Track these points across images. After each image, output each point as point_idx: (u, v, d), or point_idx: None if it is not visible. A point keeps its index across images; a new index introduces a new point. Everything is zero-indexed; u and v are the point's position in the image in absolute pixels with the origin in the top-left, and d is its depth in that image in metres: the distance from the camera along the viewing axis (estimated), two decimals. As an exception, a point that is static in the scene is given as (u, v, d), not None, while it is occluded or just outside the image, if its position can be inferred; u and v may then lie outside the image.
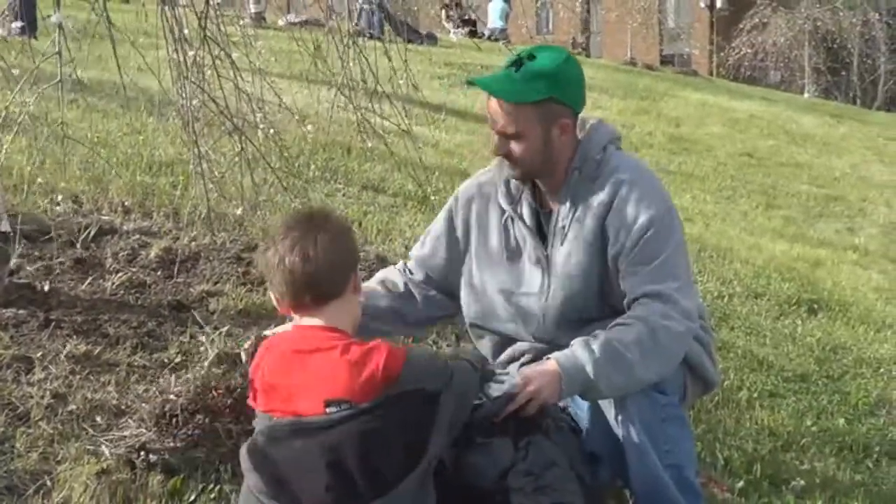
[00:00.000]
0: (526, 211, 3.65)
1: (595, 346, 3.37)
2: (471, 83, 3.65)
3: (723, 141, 14.61)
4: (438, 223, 3.84)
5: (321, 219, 3.04)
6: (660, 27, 38.60)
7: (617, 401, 3.42)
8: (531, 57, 3.50)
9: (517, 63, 3.49)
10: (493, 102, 3.51)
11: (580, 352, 3.38)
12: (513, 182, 3.67)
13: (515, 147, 3.50)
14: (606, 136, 3.65)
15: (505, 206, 3.67)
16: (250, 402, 3.07)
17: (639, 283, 3.46)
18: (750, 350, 6.04)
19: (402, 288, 3.82)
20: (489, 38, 23.47)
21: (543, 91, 3.46)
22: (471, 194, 3.78)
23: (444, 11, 27.10)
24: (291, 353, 2.95)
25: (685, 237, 3.64)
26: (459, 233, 3.77)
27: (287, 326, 3.24)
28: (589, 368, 3.34)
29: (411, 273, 3.85)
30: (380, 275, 3.94)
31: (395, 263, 5.43)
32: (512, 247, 3.69)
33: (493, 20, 26.07)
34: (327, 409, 2.87)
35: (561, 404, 3.71)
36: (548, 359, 3.42)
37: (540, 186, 3.65)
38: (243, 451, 2.94)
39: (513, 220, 3.66)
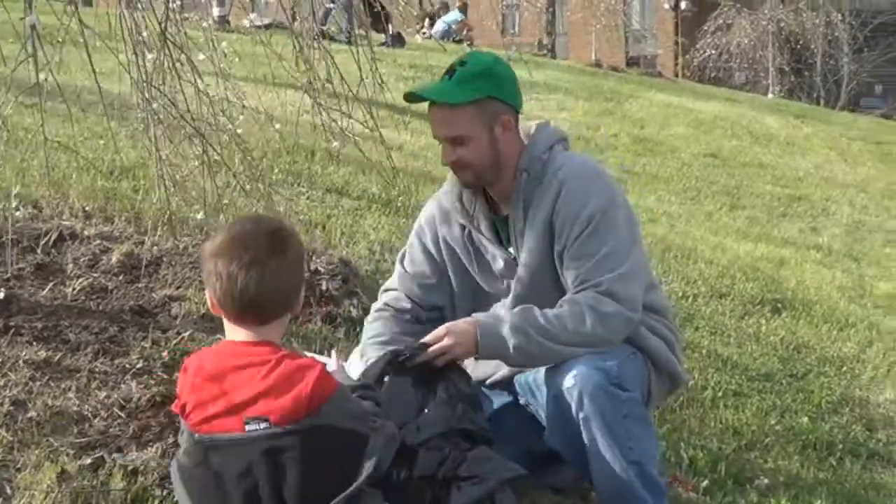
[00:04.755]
0: (482, 222, 3.73)
1: (519, 314, 3.50)
2: (409, 96, 3.66)
3: (687, 142, 14.65)
4: (413, 248, 3.91)
5: (283, 243, 2.97)
6: (625, 29, 38.69)
7: (576, 398, 3.46)
8: (462, 63, 3.61)
9: (450, 71, 3.59)
10: (435, 111, 3.61)
11: (504, 315, 3.51)
12: (465, 196, 3.75)
13: (463, 152, 3.57)
14: (552, 137, 3.73)
15: (463, 221, 3.74)
16: (176, 410, 3.02)
17: (578, 276, 3.56)
18: (714, 350, 6.06)
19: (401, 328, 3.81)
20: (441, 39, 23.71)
21: (479, 90, 3.56)
22: (432, 218, 3.88)
23: (426, 20, 27.20)
24: (221, 368, 2.91)
25: (637, 231, 3.72)
26: (434, 254, 3.85)
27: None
28: (506, 332, 3.45)
29: (398, 311, 3.86)
30: (376, 331, 3.86)
31: (358, 266, 5.47)
32: (479, 258, 3.78)
33: (436, 29, 26.32)
34: (246, 427, 2.84)
35: (522, 401, 3.76)
36: (473, 315, 3.55)
37: (491, 195, 3.71)
38: (172, 468, 2.95)
39: (472, 233, 3.73)
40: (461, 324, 3.53)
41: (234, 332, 2.98)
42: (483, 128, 3.58)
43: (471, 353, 3.51)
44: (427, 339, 3.50)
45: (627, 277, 3.54)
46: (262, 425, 2.83)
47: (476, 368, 3.80)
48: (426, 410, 3.31)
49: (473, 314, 3.59)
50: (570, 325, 3.47)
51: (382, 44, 17.75)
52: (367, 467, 2.83)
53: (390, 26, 18.43)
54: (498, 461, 3.22)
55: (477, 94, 3.55)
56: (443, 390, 3.39)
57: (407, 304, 3.85)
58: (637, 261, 3.62)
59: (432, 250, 3.85)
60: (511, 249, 3.72)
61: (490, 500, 3.14)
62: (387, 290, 3.95)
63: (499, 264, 3.74)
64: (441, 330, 3.48)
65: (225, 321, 3.01)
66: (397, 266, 3.94)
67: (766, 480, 4.54)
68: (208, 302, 3.01)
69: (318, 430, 2.84)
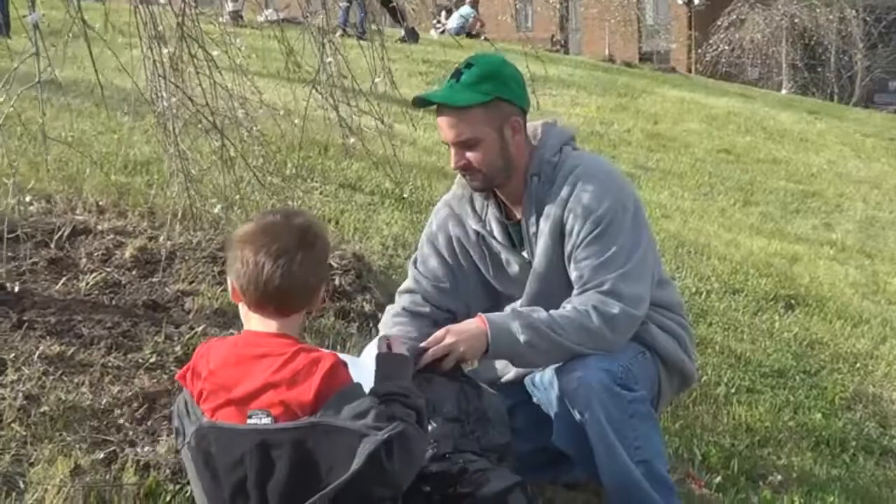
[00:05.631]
0: (495, 227, 3.72)
1: (526, 313, 3.50)
2: (417, 101, 3.66)
3: (700, 137, 14.61)
4: (426, 253, 3.89)
5: (312, 237, 2.97)
6: (638, 24, 38.63)
7: (581, 400, 3.45)
8: (468, 65, 3.57)
9: (456, 74, 3.56)
10: (443, 115, 3.58)
11: (512, 315, 3.50)
12: (476, 200, 3.73)
13: (473, 156, 3.55)
14: (561, 138, 3.70)
15: (475, 226, 3.73)
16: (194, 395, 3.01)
17: (582, 276, 3.55)
18: (728, 346, 6.05)
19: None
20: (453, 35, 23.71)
21: (487, 92, 3.53)
22: (445, 222, 3.86)
23: (443, 13, 27.20)
24: (238, 357, 2.91)
25: (645, 231, 3.67)
26: (448, 258, 3.82)
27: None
28: (516, 329, 3.44)
29: (415, 314, 3.83)
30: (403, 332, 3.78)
31: (371, 262, 5.47)
32: (493, 261, 3.77)
33: (451, 25, 26.31)
34: (249, 419, 2.84)
35: (535, 400, 3.75)
36: (480, 315, 3.50)
37: (502, 199, 3.69)
38: (183, 452, 2.95)
39: (484, 238, 3.72)
40: (465, 324, 3.52)
41: (253, 323, 2.98)
42: (492, 130, 3.55)
43: (479, 351, 3.49)
44: (427, 342, 3.48)
45: (631, 276, 3.52)
46: (265, 420, 2.82)
47: (487, 369, 3.79)
48: (433, 424, 3.23)
49: (479, 314, 3.55)
50: (577, 325, 3.47)
51: (400, 39, 17.74)
52: (352, 468, 2.74)
53: (405, 22, 18.46)
54: (496, 472, 3.20)
55: (485, 96, 3.52)
56: (453, 405, 3.36)
57: (425, 308, 3.82)
58: (642, 259, 3.58)
59: (446, 255, 3.83)
60: (525, 253, 3.71)
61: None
62: (403, 293, 3.92)
63: (514, 268, 3.74)
64: (441, 332, 3.46)
65: (243, 311, 3.01)
66: (411, 269, 3.92)
67: (779, 477, 4.54)
68: (229, 288, 3.01)
69: (315, 428, 2.79)
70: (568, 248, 3.57)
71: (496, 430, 3.39)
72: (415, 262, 3.92)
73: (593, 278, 3.51)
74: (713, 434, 4.81)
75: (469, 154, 3.56)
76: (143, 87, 5.00)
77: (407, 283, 3.93)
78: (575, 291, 3.55)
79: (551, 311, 3.50)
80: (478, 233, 3.76)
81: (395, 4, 7.02)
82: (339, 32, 5.54)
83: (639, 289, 3.55)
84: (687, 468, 4.40)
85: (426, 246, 3.88)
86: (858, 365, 6.29)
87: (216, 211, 5.16)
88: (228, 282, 3.02)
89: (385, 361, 3.14)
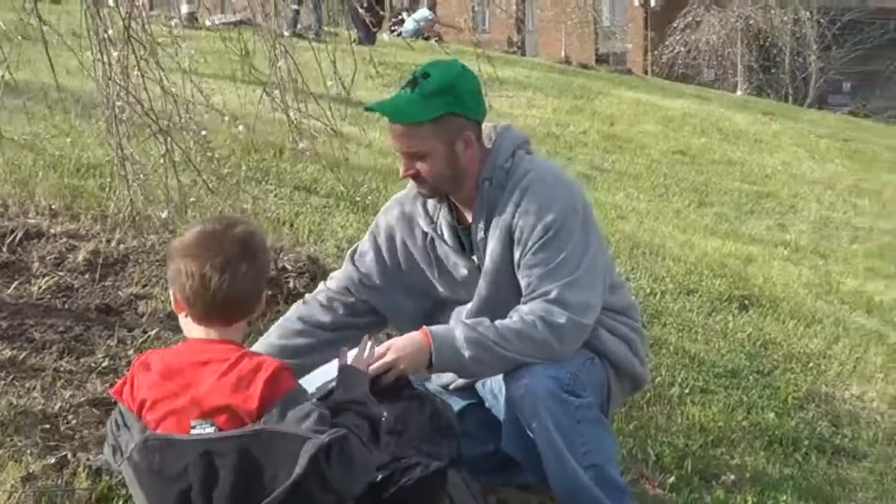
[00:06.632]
0: (445, 230, 3.70)
1: (470, 326, 3.48)
2: (369, 109, 3.65)
3: (656, 139, 14.66)
4: (364, 248, 3.87)
5: (254, 247, 2.96)
6: (595, 25, 38.75)
7: (528, 407, 3.45)
8: (425, 75, 3.54)
9: (412, 83, 3.53)
10: (394, 125, 3.55)
11: (457, 328, 3.48)
12: (429, 202, 3.70)
13: (421, 166, 3.54)
14: (514, 143, 3.69)
15: (425, 227, 3.71)
16: (133, 408, 2.96)
17: (530, 284, 3.54)
18: (682, 346, 6.07)
19: (327, 322, 3.81)
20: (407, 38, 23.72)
21: (439, 107, 3.50)
22: (392, 221, 3.83)
23: (402, 15, 27.17)
24: (181, 365, 2.88)
25: (595, 237, 3.67)
26: (387, 260, 3.81)
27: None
28: (460, 343, 3.43)
29: (336, 300, 3.84)
30: (297, 311, 3.91)
31: (326, 264, 5.46)
32: (439, 265, 3.76)
33: (406, 27, 26.33)
34: (192, 430, 2.81)
35: (486, 405, 3.74)
36: (424, 328, 3.49)
37: (455, 202, 3.68)
38: (124, 466, 2.90)
39: (433, 240, 3.70)
40: (407, 338, 3.49)
41: (195, 331, 2.95)
42: (442, 144, 3.53)
43: (422, 366, 3.47)
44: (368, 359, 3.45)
45: (578, 284, 3.51)
46: (208, 430, 2.80)
47: (438, 375, 3.78)
48: None
49: (423, 327, 3.53)
50: (523, 336, 3.46)
51: (355, 41, 17.65)
52: (295, 472, 2.71)
53: (361, 23, 18.41)
54: (422, 465, 3.18)
55: (437, 111, 3.50)
56: (393, 418, 3.27)
57: (349, 299, 3.82)
58: (591, 266, 3.57)
59: (385, 254, 3.81)
60: (474, 257, 3.70)
61: (442, 478, 3.15)
62: (331, 279, 3.92)
63: (462, 272, 3.72)
64: (382, 347, 3.43)
65: (184, 320, 2.98)
66: (347, 261, 3.91)
67: (732, 476, 4.57)
68: (172, 300, 2.98)
69: (260, 435, 2.77)
70: (517, 255, 3.56)
71: (442, 439, 3.36)
72: (352, 254, 3.90)
73: (540, 286, 3.50)
74: (667, 434, 4.83)
75: (418, 164, 3.56)
76: (93, 90, 4.96)
77: (338, 272, 3.93)
78: (523, 299, 3.54)
79: (497, 322, 3.48)
80: (426, 234, 3.74)
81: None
82: (289, 33, 5.50)
83: (586, 296, 3.53)
84: (641, 468, 4.42)
85: (367, 241, 3.87)
86: (811, 365, 6.34)
87: (163, 215, 5.12)
88: (171, 293, 2.98)
89: (346, 373, 3.13)
